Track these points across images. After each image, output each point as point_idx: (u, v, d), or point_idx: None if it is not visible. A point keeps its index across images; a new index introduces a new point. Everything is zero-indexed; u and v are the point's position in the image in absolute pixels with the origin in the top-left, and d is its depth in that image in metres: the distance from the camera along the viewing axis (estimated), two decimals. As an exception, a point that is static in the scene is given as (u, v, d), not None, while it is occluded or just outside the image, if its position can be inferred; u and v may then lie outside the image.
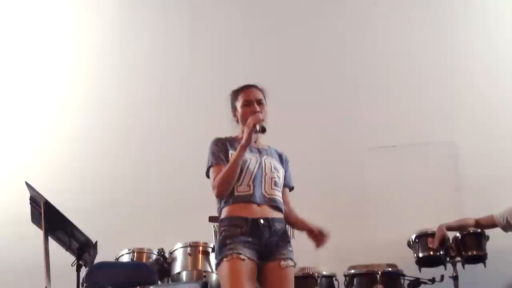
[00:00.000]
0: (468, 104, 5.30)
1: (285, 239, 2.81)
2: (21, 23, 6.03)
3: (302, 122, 5.21)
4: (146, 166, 5.48)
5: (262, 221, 2.74)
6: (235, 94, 3.00)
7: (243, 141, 2.76)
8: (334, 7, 5.73)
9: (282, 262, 2.74)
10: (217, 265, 2.72)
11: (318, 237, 2.82)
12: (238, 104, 2.95)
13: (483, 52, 5.40)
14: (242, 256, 2.64)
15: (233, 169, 2.73)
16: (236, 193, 2.77)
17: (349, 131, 5.33)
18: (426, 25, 5.56)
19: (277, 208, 2.84)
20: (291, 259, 2.78)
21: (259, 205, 2.78)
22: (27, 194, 3.71)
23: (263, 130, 2.76)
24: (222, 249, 2.69)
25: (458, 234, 4.32)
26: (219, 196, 2.78)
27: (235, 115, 2.99)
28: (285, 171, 2.99)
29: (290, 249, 2.81)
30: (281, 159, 3.00)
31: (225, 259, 2.65)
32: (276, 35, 5.69)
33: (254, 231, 2.72)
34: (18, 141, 5.72)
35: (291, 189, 3.03)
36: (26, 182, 3.66)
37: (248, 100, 2.93)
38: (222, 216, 2.80)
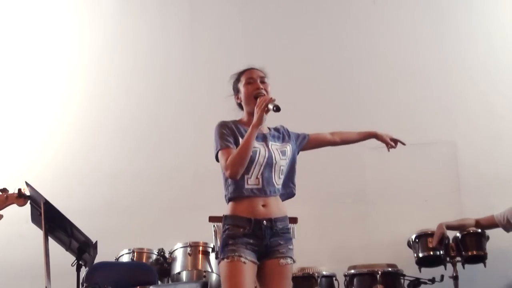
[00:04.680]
0: (468, 104, 5.30)
1: (286, 237, 2.81)
2: (22, 23, 6.01)
3: (301, 122, 5.17)
4: (146, 166, 5.47)
5: (265, 222, 2.74)
6: (238, 76, 2.98)
7: (254, 120, 2.71)
8: (334, 7, 5.72)
9: (281, 261, 2.75)
10: (219, 262, 2.76)
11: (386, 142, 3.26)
12: (241, 85, 2.93)
13: (483, 52, 5.40)
14: (243, 259, 2.66)
15: (246, 147, 2.69)
16: (246, 185, 2.75)
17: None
18: (426, 24, 5.55)
19: (283, 197, 2.87)
20: (291, 257, 2.79)
21: (265, 202, 2.77)
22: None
23: (277, 109, 2.68)
24: (224, 249, 2.71)
25: (458, 234, 4.32)
26: (232, 177, 2.72)
27: (238, 98, 2.95)
28: (294, 136, 3.01)
29: (291, 247, 2.81)
30: (283, 134, 2.98)
31: (226, 260, 2.68)
32: (275, 34, 5.68)
33: (256, 233, 2.73)
34: (18, 141, 5.71)
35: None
36: (26, 182, 3.65)
37: (251, 78, 2.92)
38: (227, 212, 2.80)
